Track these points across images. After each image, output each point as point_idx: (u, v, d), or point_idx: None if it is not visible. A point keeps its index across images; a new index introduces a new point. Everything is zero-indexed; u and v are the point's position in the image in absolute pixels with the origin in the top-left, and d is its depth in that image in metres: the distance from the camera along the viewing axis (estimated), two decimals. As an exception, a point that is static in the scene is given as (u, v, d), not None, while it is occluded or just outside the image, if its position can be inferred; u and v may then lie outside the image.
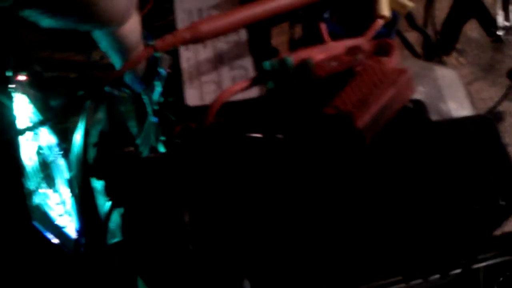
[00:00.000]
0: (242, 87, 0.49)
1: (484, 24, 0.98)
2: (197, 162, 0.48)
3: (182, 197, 0.48)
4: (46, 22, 0.42)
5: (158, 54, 0.51)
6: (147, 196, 0.52)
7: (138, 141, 0.80)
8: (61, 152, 0.83)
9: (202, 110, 0.55)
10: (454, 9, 1.02)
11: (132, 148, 0.54)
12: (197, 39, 0.49)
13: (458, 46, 1.00)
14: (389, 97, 0.43)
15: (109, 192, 0.58)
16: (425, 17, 0.99)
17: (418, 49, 0.95)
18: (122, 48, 0.49)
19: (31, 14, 0.41)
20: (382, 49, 0.48)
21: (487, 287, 0.64)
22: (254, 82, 0.49)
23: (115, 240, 0.63)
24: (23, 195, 0.57)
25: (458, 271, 0.54)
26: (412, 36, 1.02)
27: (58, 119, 0.58)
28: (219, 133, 0.49)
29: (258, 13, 0.52)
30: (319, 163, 0.46)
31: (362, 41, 0.48)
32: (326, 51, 0.45)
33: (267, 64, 0.49)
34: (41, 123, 0.53)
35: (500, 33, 0.91)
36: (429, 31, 0.94)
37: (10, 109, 0.67)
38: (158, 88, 0.68)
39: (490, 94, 0.96)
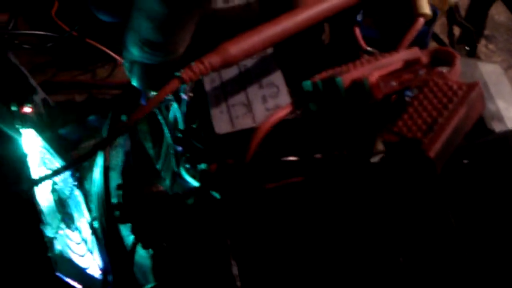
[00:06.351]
0: (284, 115, 0.43)
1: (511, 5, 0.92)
2: (238, 204, 0.43)
3: (225, 244, 0.42)
4: None
5: (184, 85, 0.45)
6: (185, 241, 0.47)
7: (158, 166, 0.74)
8: (76, 183, 0.77)
9: (232, 136, 0.50)
10: (478, -8, 0.96)
11: (161, 188, 0.48)
12: (228, 64, 0.43)
13: (486, 32, 0.94)
14: (460, 118, 0.37)
15: (137, 234, 0.53)
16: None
17: (444, 38, 0.89)
18: None
19: None
20: (440, 59, 0.42)
21: None
22: (296, 107, 0.43)
23: (150, 285, 0.58)
24: (45, 246, 0.52)
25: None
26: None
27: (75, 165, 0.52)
28: (261, 168, 0.43)
29: (290, 27, 0.46)
30: (380, 194, 0.41)
31: (419, 52, 0.42)
32: (382, 68, 0.39)
33: (308, 85, 0.43)
34: (57, 172, 0.47)
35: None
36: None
37: (19, 146, 0.61)
38: (178, 114, 0.63)
39: (526, 81, 0.90)
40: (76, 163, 0.46)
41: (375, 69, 0.39)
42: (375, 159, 0.50)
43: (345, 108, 0.41)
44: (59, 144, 0.77)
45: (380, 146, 0.49)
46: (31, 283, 0.53)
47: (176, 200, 0.49)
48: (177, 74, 0.42)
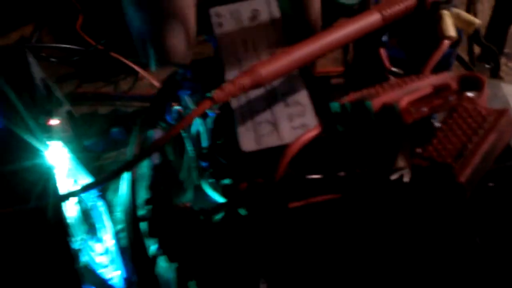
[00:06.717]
0: (313, 136, 0.44)
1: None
2: (268, 222, 0.44)
3: (253, 261, 0.43)
4: None
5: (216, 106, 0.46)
6: (213, 257, 0.48)
7: (181, 178, 0.75)
8: (100, 193, 0.78)
9: (258, 154, 0.50)
10: (498, 10, 0.96)
11: (188, 204, 0.49)
12: (258, 85, 0.44)
13: (506, 50, 0.94)
14: (490, 144, 0.38)
15: (164, 248, 0.54)
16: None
17: (463, 55, 0.89)
18: None
19: None
20: (468, 84, 0.42)
21: None
22: (325, 129, 0.44)
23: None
24: (71, 258, 0.53)
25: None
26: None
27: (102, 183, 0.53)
28: (290, 187, 0.44)
29: (318, 50, 0.47)
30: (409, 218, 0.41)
31: (448, 78, 0.43)
32: (411, 93, 0.39)
33: (336, 106, 0.44)
34: (86, 188, 0.47)
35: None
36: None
37: (46, 159, 0.62)
38: (202, 129, 0.64)
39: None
40: (103, 181, 0.47)
41: (404, 93, 0.40)
42: (394, 176, 0.50)
43: (372, 130, 0.41)
44: (83, 156, 0.78)
45: (400, 163, 0.50)
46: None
47: (203, 216, 0.49)
48: (208, 95, 0.42)
